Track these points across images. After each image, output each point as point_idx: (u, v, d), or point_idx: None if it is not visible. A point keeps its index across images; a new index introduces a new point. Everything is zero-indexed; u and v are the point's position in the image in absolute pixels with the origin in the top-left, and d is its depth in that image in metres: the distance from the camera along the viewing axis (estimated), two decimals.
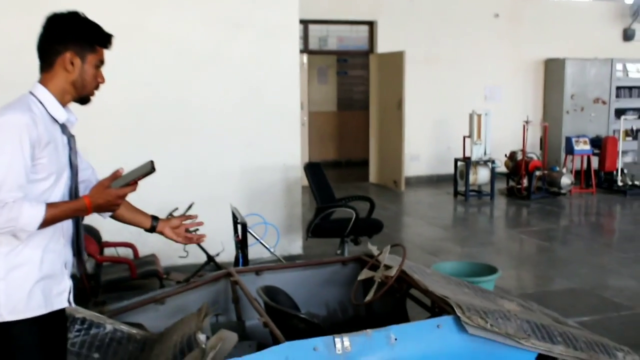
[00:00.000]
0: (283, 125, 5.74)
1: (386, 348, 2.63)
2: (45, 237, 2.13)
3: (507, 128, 10.68)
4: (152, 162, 2.14)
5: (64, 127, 2.20)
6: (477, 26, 10.86)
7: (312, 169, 5.49)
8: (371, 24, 10.53)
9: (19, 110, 2.03)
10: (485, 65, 11.00)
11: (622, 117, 10.62)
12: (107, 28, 2.21)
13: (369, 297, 3.18)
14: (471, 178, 9.40)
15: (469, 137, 9.43)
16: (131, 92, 5.38)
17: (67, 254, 2.27)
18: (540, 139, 10.26)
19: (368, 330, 2.64)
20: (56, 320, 2.21)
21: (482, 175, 9.46)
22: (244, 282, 3.35)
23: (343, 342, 2.54)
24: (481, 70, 10.98)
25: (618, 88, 11.47)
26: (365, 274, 3.41)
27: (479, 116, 9.25)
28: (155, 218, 2.59)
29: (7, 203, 1.96)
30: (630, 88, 11.67)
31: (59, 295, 2.21)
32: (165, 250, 5.20)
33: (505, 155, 9.86)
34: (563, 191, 9.51)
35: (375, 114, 10.61)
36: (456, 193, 9.63)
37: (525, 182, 9.42)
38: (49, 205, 2.04)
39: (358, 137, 12.53)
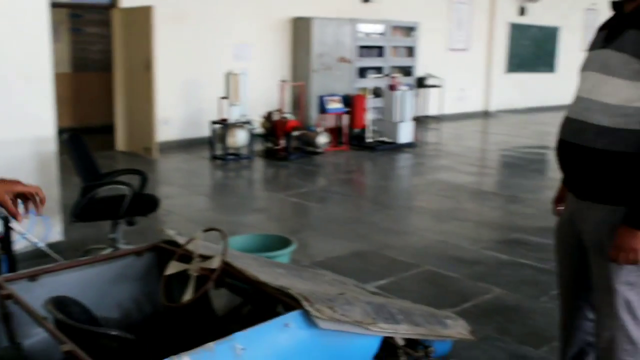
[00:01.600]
0: (31, 90, 4.76)
1: None
2: None
3: (258, 88, 10.43)
4: None
5: None
6: None
7: (73, 142, 4.65)
8: None
9: None
10: (235, 23, 10.58)
11: (371, 76, 10.98)
12: None
13: (188, 297, 2.64)
14: (229, 141, 9.03)
15: (225, 98, 9.01)
16: None
17: None
18: (295, 99, 10.19)
19: (210, 344, 2.12)
20: None
21: (240, 138, 9.12)
22: (17, 291, 2.61)
23: None
24: (230, 29, 10.54)
25: (360, 47, 11.84)
26: (175, 267, 2.84)
27: (236, 76, 8.86)
28: None
29: None
30: (370, 47, 12.13)
31: None
32: None
33: (262, 116, 9.62)
34: (319, 150, 9.57)
35: (120, 75, 9.68)
36: (214, 157, 9.19)
37: (283, 142, 9.29)
38: None
39: (98, 101, 11.44)
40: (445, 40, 14.51)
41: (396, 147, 10.26)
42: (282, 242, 4.49)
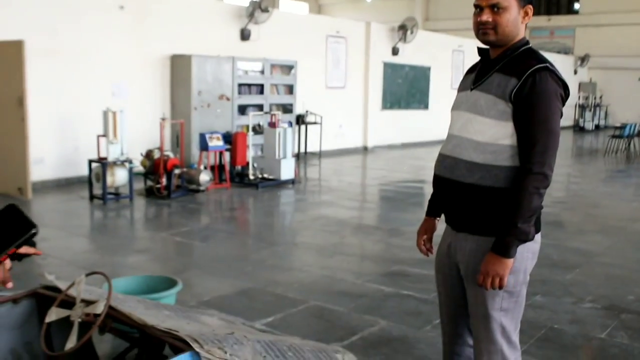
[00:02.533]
0: None
1: None
2: None
3: (137, 125, 10.25)
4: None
5: None
6: (101, 17, 10.19)
7: None
8: None
9: None
10: (112, 59, 10.39)
11: (251, 113, 11.07)
12: None
13: (71, 344, 2.54)
14: (108, 180, 8.77)
15: (104, 136, 8.78)
16: None
17: None
18: (177, 136, 10.09)
19: None
20: None
21: (119, 177, 8.89)
22: None
23: None
24: (107, 65, 10.34)
25: (240, 85, 11.92)
26: (56, 313, 2.73)
27: (115, 114, 8.66)
28: None
29: None
30: (249, 85, 12.25)
31: None
32: None
33: (142, 154, 9.45)
34: (202, 188, 9.48)
35: None
36: (92, 197, 8.90)
37: (164, 181, 9.14)
38: None
39: None
40: (323, 78, 14.88)
41: (278, 184, 10.35)
42: (167, 283, 4.42)
